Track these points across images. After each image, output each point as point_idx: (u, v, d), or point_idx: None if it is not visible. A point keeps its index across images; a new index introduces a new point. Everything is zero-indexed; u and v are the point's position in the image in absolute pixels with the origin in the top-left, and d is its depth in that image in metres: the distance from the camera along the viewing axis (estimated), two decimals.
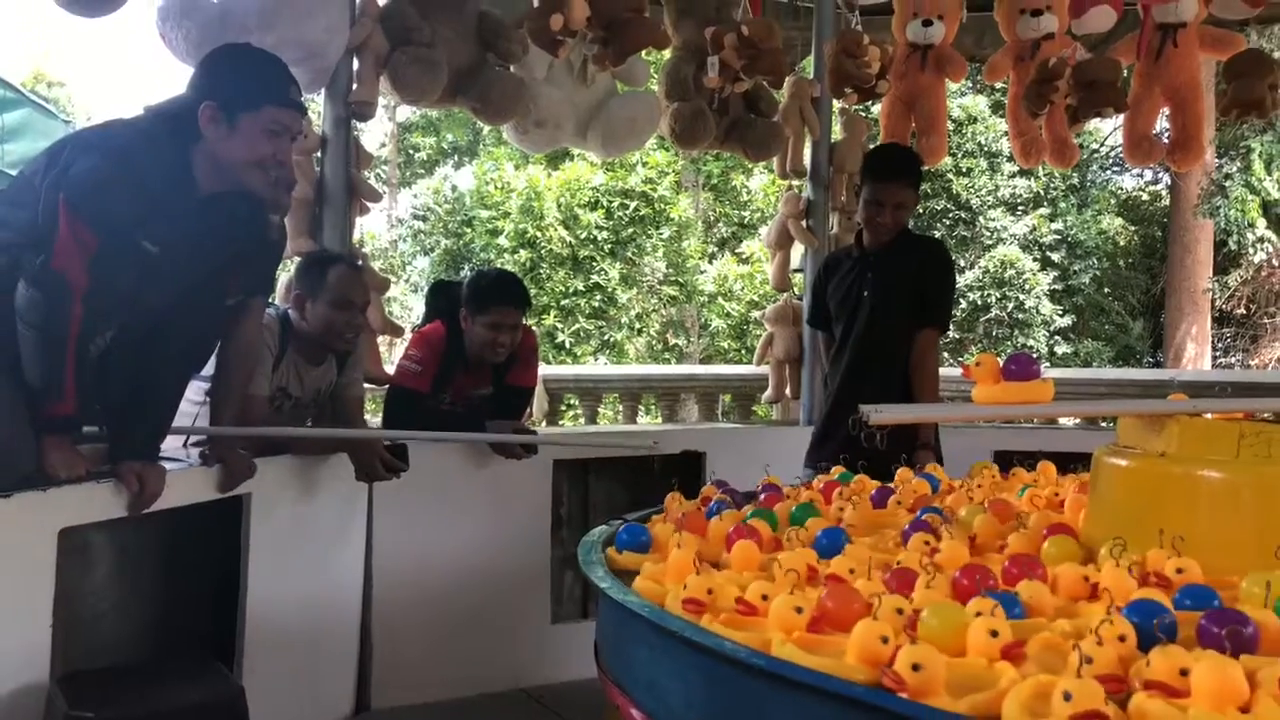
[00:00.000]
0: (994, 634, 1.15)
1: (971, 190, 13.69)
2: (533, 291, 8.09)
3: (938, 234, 12.85)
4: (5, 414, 2.07)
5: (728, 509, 2.00)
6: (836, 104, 4.25)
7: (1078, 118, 3.96)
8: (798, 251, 4.37)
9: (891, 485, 2.25)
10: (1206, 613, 1.20)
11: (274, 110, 2.16)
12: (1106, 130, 13.49)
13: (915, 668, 1.07)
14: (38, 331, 2.02)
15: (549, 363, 11.38)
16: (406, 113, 17.36)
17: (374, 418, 3.74)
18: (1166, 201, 14.76)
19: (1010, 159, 12.79)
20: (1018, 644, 1.17)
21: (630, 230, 13.20)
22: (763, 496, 2.18)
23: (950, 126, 10.32)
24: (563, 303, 12.81)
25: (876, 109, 4.70)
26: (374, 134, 17.65)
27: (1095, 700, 0.97)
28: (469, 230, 14.60)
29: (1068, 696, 0.98)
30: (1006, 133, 5.47)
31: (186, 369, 2.41)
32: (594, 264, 12.95)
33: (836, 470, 2.44)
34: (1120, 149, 4.49)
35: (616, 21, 3.40)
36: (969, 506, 1.99)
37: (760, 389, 4.74)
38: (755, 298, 13.25)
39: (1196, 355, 13.05)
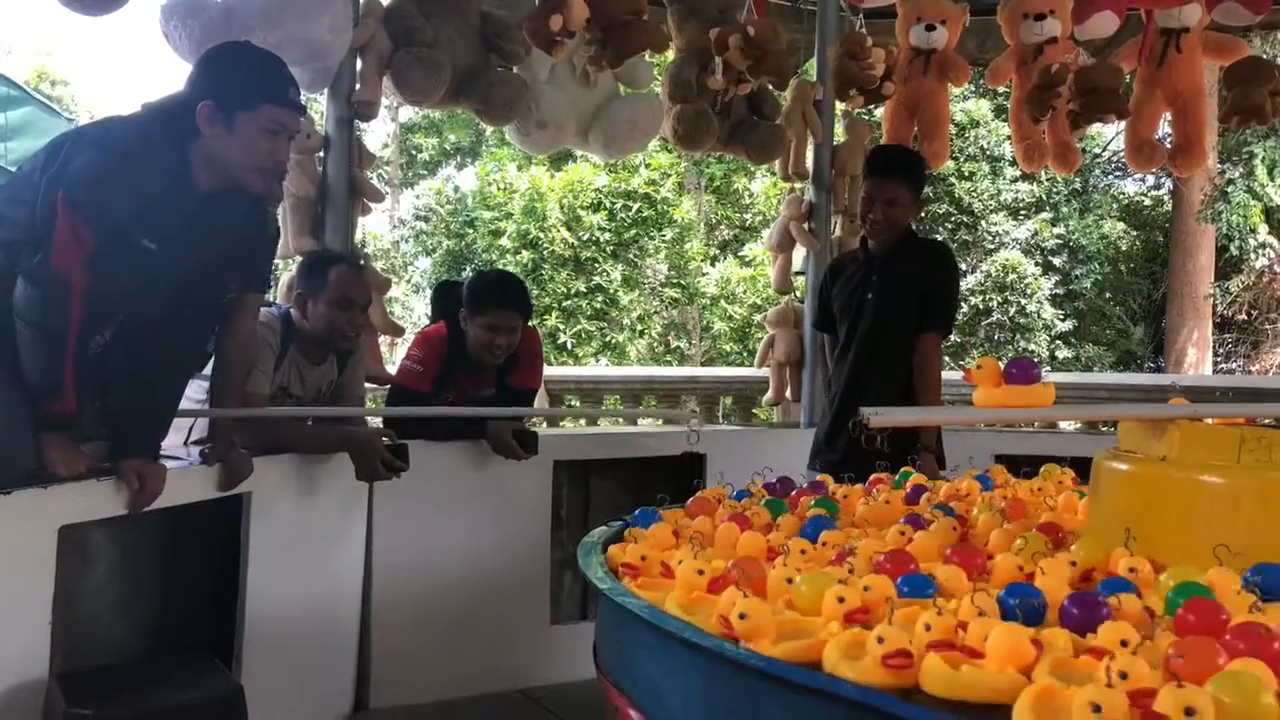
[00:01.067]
0: (840, 600, 1.31)
1: (974, 194, 13.69)
2: (535, 293, 8.11)
3: (939, 238, 12.85)
4: (4, 412, 2.07)
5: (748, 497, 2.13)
6: (839, 107, 4.25)
7: (1079, 123, 3.97)
8: (799, 254, 4.36)
9: (927, 485, 2.28)
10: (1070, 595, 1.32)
11: (272, 110, 2.15)
12: (1109, 135, 13.49)
13: (742, 616, 1.26)
14: (36, 329, 2.03)
15: (550, 364, 11.38)
16: (409, 113, 17.38)
17: (374, 417, 3.74)
18: (1168, 207, 14.76)
19: (1012, 163, 12.79)
20: (862, 609, 1.30)
21: (632, 232, 13.21)
22: (794, 492, 2.23)
23: (953, 130, 10.31)
24: (564, 304, 12.81)
25: (879, 112, 4.70)
26: (376, 134, 17.69)
27: (902, 642, 1.15)
28: (471, 231, 14.61)
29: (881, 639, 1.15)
30: (1009, 137, 5.48)
31: (186, 366, 2.41)
32: (596, 265, 12.96)
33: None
34: (1122, 154, 4.49)
35: (615, 24, 3.41)
36: (981, 504, 2.01)
37: (761, 391, 4.74)
38: (757, 300, 13.25)
39: (1198, 360, 13.05)
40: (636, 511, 2.01)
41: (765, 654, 1.24)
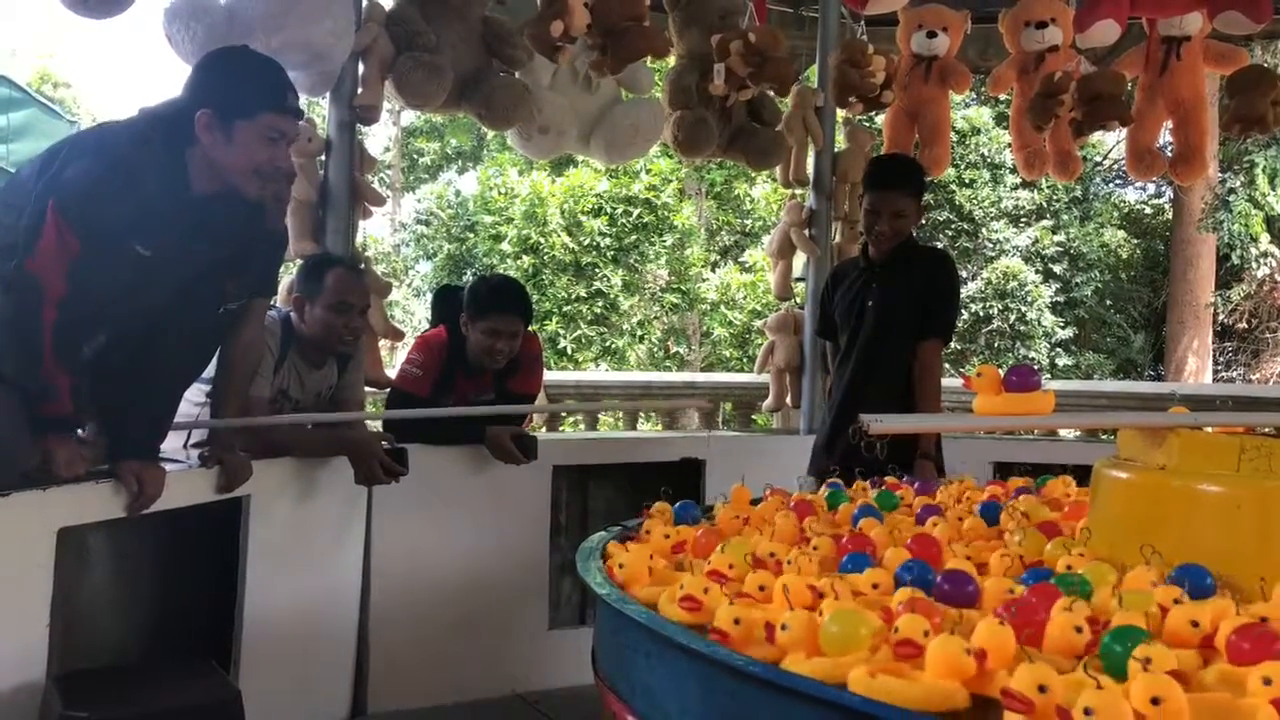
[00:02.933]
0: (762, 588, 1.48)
1: (974, 202, 13.69)
2: (535, 297, 8.09)
3: (940, 245, 12.86)
4: (4, 412, 2.07)
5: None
6: (840, 114, 4.26)
7: (1081, 131, 3.97)
8: (800, 260, 4.36)
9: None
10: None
11: (271, 117, 2.14)
12: (1109, 143, 13.50)
13: (784, 627, 1.30)
14: (8, 331, 2.02)
15: (550, 368, 11.38)
16: (410, 117, 17.41)
17: (374, 421, 3.74)
18: (1169, 215, 14.76)
19: (1013, 171, 12.78)
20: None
21: (633, 237, 13.21)
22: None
23: (954, 138, 10.33)
24: (565, 309, 12.81)
25: (880, 119, 4.70)
26: (378, 138, 17.71)
27: (804, 600, 1.38)
28: (472, 235, 14.61)
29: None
30: (1010, 144, 5.47)
31: (186, 369, 2.41)
32: (596, 270, 12.96)
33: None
34: (1123, 162, 4.49)
35: (616, 29, 3.42)
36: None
37: (761, 397, 4.74)
38: (757, 306, 13.24)
39: (1198, 369, 13.04)
40: (677, 505, 2.14)
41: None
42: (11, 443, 2.05)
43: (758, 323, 12.49)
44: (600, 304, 12.94)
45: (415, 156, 18.45)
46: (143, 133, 2.11)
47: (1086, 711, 0.98)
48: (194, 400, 2.65)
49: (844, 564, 1.65)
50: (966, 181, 13.65)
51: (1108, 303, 14.63)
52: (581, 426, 6.78)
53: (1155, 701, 0.99)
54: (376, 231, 16.67)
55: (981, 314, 13.35)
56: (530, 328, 3.33)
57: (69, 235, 1.99)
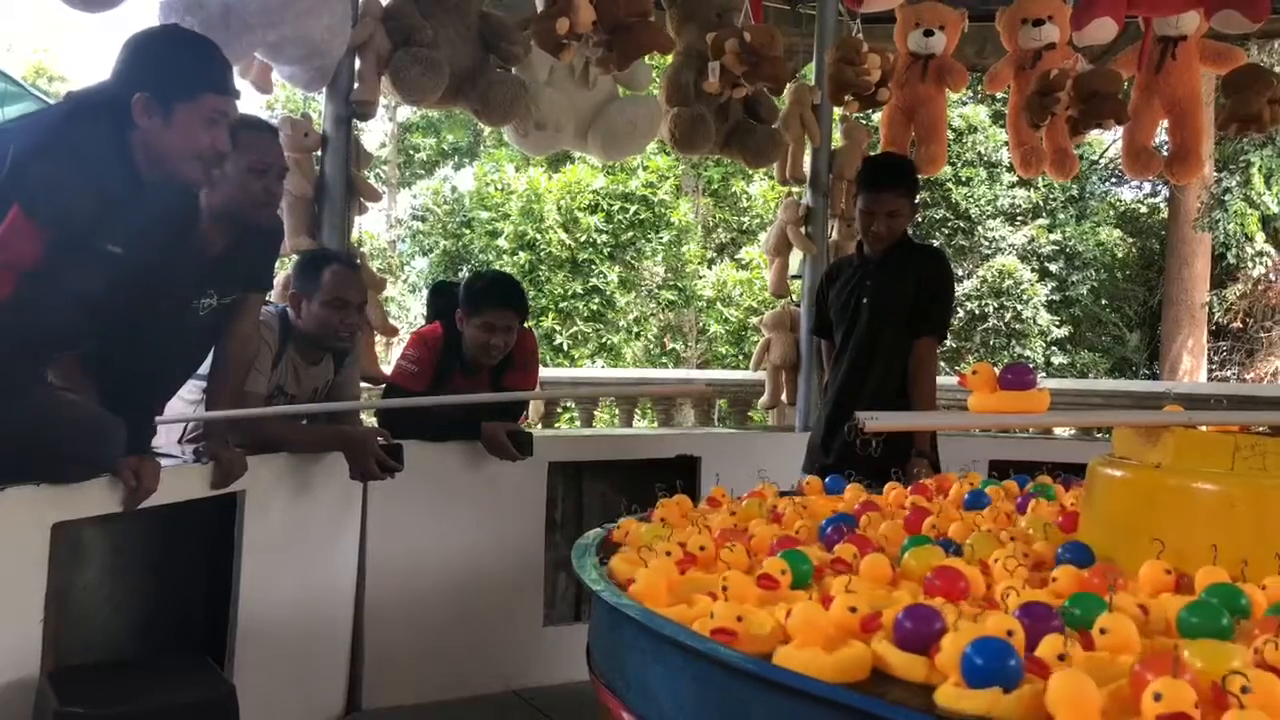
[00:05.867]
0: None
1: (970, 200, 13.71)
2: (531, 294, 8.10)
3: (936, 243, 12.86)
4: (76, 403, 2.07)
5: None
6: (837, 111, 4.26)
7: (1078, 129, 3.97)
8: (796, 258, 4.37)
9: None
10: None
11: (213, 98, 2.05)
12: (1106, 141, 13.52)
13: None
14: None
15: (546, 365, 11.38)
16: (407, 113, 17.35)
17: (369, 417, 3.74)
18: (1165, 214, 14.79)
19: (1010, 169, 12.81)
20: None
21: (629, 234, 13.20)
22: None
23: (950, 136, 10.36)
24: (561, 305, 12.80)
25: (877, 117, 4.70)
26: (374, 133, 17.63)
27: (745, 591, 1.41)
28: (468, 231, 14.59)
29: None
30: (1006, 143, 5.49)
31: (184, 364, 2.41)
32: (593, 267, 12.96)
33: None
34: (1119, 161, 4.49)
35: (621, 26, 3.41)
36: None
37: (756, 394, 4.74)
38: (754, 303, 13.25)
39: (1193, 368, 13.07)
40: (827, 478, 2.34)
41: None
42: (109, 430, 2.05)
43: (754, 320, 12.49)
44: (596, 300, 12.94)
45: (411, 152, 18.41)
46: (86, 120, 1.98)
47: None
48: (188, 397, 2.65)
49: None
50: (963, 179, 13.66)
51: (1103, 301, 14.66)
52: (577, 423, 6.79)
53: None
54: (372, 227, 16.64)
55: (977, 312, 13.37)
56: (526, 324, 3.33)
57: (29, 241, 1.86)
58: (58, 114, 2.06)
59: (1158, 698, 0.97)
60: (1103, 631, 1.19)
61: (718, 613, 1.32)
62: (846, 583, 1.42)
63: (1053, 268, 13.99)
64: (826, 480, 2.44)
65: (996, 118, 13.27)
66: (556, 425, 7.00)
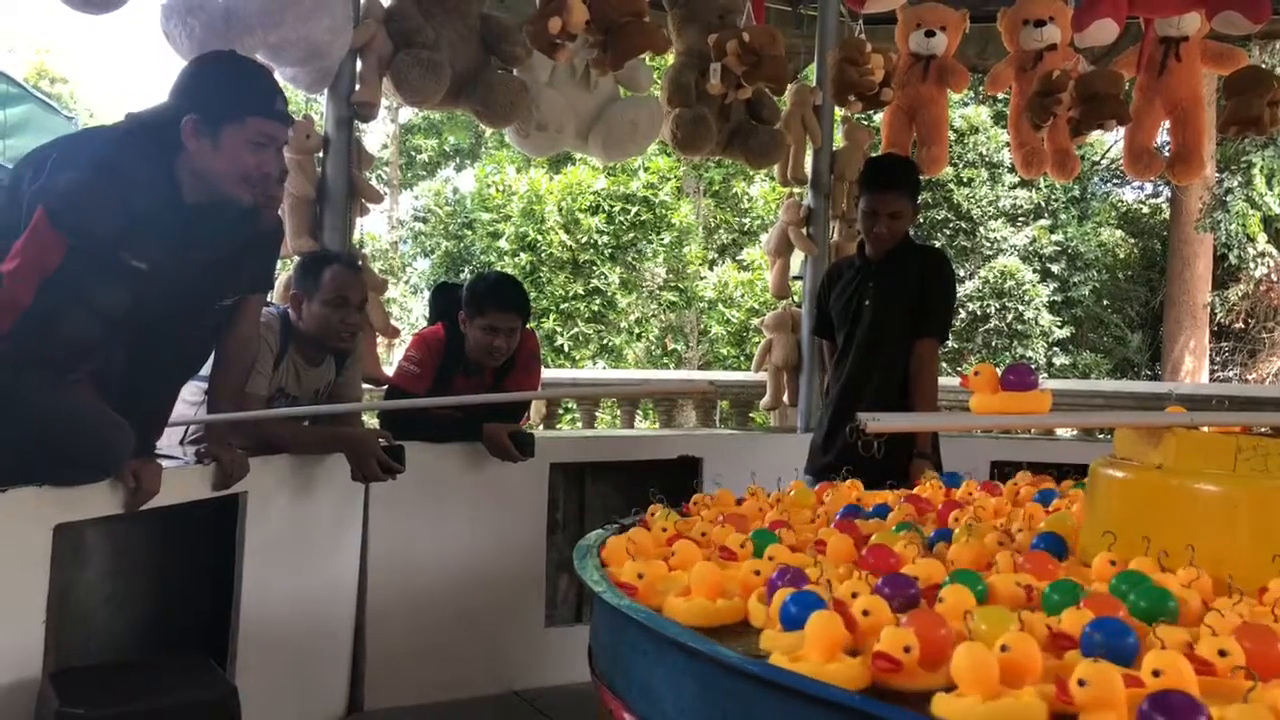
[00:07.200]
0: None
1: (972, 201, 13.70)
2: (533, 295, 8.08)
3: (938, 244, 12.86)
4: (87, 403, 2.08)
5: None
6: (838, 112, 4.26)
7: (1080, 130, 3.97)
8: (798, 259, 4.37)
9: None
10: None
11: (259, 122, 2.10)
12: (1107, 142, 13.52)
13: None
14: None
15: (548, 366, 11.37)
16: (408, 114, 17.39)
17: (371, 418, 3.74)
18: (1167, 215, 14.78)
19: (1011, 170, 12.80)
20: None
21: (631, 235, 13.20)
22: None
23: (952, 137, 10.32)
24: (562, 306, 12.80)
25: (878, 118, 4.70)
26: (376, 135, 17.69)
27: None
28: (469, 233, 14.61)
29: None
30: (1008, 144, 5.48)
31: (185, 367, 2.40)
32: (594, 268, 12.95)
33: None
34: (1121, 162, 4.49)
35: (615, 26, 3.41)
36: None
37: (758, 396, 4.74)
38: (755, 305, 13.25)
39: (1194, 369, 13.06)
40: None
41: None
42: (115, 435, 2.06)
43: (755, 321, 12.49)
44: (598, 302, 12.94)
45: (413, 153, 18.43)
46: (132, 142, 2.05)
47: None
48: (189, 399, 2.65)
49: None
50: (964, 180, 13.66)
51: (1105, 302, 14.65)
52: (579, 424, 6.78)
53: None
54: (374, 229, 16.66)
55: (979, 313, 13.36)
56: (528, 325, 3.33)
57: (52, 250, 1.91)
58: (111, 131, 2.12)
59: None
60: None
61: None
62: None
63: (1054, 268, 13.99)
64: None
65: (998, 119, 13.27)
66: (558, 426, 7.00)
